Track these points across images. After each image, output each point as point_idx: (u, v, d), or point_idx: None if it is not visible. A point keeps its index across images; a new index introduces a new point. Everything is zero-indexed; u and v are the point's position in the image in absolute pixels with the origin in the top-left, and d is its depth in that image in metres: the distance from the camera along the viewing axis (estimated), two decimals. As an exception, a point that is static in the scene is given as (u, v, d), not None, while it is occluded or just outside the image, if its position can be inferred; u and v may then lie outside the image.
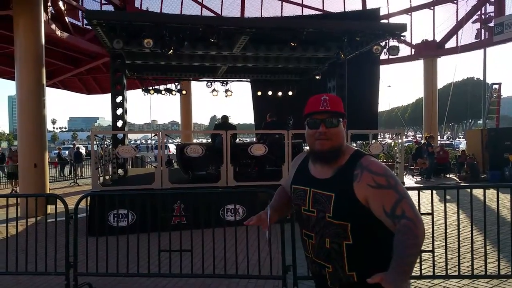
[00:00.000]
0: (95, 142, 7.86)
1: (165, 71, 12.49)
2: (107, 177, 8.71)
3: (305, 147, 10.78)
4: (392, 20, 18.80)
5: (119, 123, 9.76)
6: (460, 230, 4.14)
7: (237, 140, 10.25)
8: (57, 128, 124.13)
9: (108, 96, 10.19)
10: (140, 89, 14.46)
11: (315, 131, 1.64)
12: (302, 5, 19.97)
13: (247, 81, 13.82)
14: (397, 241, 1.46)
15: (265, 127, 9.55)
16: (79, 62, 16.57)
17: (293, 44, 8.05)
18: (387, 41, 8.46)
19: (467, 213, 4.38)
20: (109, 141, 9.25)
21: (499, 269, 3.87)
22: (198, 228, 4.13)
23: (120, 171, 9.96)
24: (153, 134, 9.28)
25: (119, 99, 9.75)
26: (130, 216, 7.40)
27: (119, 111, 9.76)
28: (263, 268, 3.98)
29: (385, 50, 8.30)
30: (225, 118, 9.40)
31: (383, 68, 18.39)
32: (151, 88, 13.63)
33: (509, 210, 3.96)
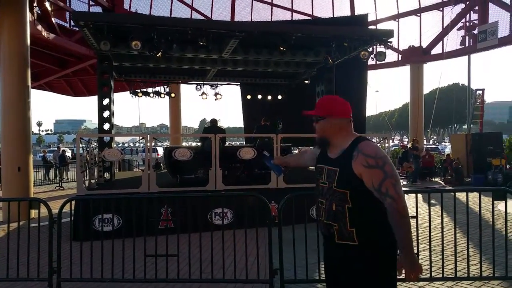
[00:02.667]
0: (80, 145, 7.77)
1: (153, 74, 12.40)
2: (92, 181, 8.61)
3: (294, 151, 10.82)
4: (380, 26, 19.05)
5: (106, 126, 9.65)
6: (444, 233, 4.20)
7: (227, 143, 10.22)
8: (42, 131, 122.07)
9: (95, 99, 10.06)
10: (128, 92, 14.35)
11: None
12: (292, 10, 20.10)
13: (236, 84, 13.81)
14: (391, 223, 1.95)
15: (256, 131, 9.57)
16: (66, 63, 16.34)
17: (282, 48, 8.08)
18: (374, 46, 8.56)
19: (451, 216, 4.45)
20: (95, 144, 9.13)
21: (481, 271, 3.93)
22: (185, 232, 4.11)
23: (106, 174, 9.84)
24: (140, 138, 9.18)
25: (106, 101, 9.64)
26: (116, 220, 7.35)
27: (106, 114, 9.65)
28: (250, 272, 3.98)
29: (372, 55, 8.38)
30: (214, 121, 9.38)
31: (370, 73, 18.66)
32: (139, 90, 13.52)
33: (491, 213, 4.03)
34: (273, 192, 7.63)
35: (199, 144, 9.92)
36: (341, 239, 2.08)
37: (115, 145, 10.49)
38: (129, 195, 6.91)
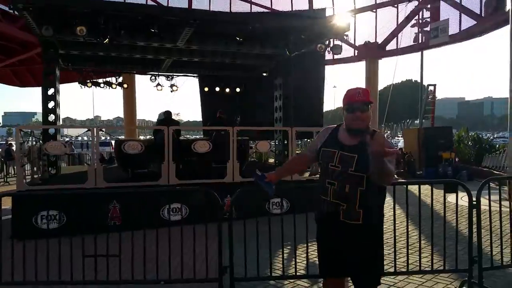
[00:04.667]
0: (23, 139, 7.18)
1: (104, 63, 11.73)
2: (35, 176, 8.03)
3: (252, 144, 10.63)
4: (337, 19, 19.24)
5: (51, 117, 9.03)
6: (396, 225, 4.20)
7: (186, 137, 9.90)
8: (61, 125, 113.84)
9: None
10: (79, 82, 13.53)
11: (353, 115, 2.39)
12: (250, 2, 19.88)
13: (194, 76, 13.43)
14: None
15: (210, 124, 9.32)
16: (11, 52, 15.18)
17: (238, 38, 7.86)
18: (330, 40, 8.53)
19: (403, 209, 4.47)
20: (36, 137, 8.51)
21: (432, 264, 3.95)
22: (137, 229, 3.80)
23: (51, 169, 9.22)
24: (86, 130, 8.64)
25: (51, 91, 9.02)
26: (60, 217, 6.87)
27: (51, 104, 9.03)
28: (200, 270, 3.77)
29: (328, 48, 8.35)
30: (168, 113, 9.02)
31: (328, 69, 18.77)
32: (89, 81, 12.78)
33: (442, 206, 4.06)
34: (229, 186, 7.44)
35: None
36: (346, 218, 2.38)
37: (64, 139, 9.87)
38: (72, 191, 6.46)
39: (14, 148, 19.30)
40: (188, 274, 3.74)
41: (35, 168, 8.02)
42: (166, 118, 8.86)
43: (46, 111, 8.99)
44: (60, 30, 7.54)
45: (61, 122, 9.67)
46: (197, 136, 26.11)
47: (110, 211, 6.91)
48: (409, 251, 3.99)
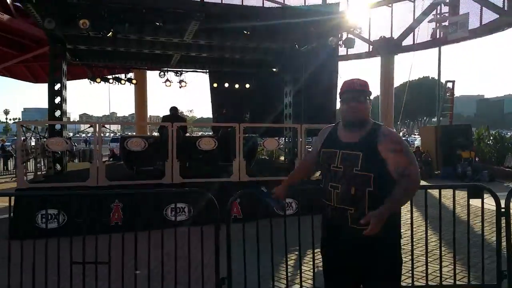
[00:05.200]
0: (27, 134, 7.00)
1: (113, 58, 11.56)
2: (39, 173, 7.86)
3: (261, 141, 10.29)
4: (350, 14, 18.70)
5: (57, 113, 8.89)
6: (414, 230, 3.81)
7: (196, 133, 9.63)
8: (10, 119, 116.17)
9: None
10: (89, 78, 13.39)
11: (348, 105, 2.19)
12: (263, -2, 19.48)
13: (203, 72, 13.14)
14: (399, 186, 2.02)
15: (217, 120, 9.03)
16: (25, 48, 15.19)
17: (246, 32, 7.53)
18: (343, 34, 8.13)
19: (422, 212, 4.08)
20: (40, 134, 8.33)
21: (455, 278, 3.55)
22: (137, 230, 3.50)
23: (58, 166, 9.07)
24: (88, 126, 8.42)
25: (57, 86, 8.88)
26: (60, 217, 6.68)
27: (57, 100, 8.89)
28: (196, 282, 3.46)
29: (340, 42, 7.95)
30: (174, 109, 8.76)
31: (341, 64, 18.34)
32: (98, 76, 12.62)
33: (463, 209, 3.66)
34: (235, 186, 7.14)
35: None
36: (355, 223, 2.08)
37: (68, 135, 9.71)
38: (71, 190, 6.25)
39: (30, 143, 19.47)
40: (183, 284, 3.44)
41: (38, 165, 7.81)
42: (172, 114, 8.60)
43: (52, 107, 8.86)
44: (64, 24, 7.34)
45: (78, 118, 9.55)
46: (207, 133, 25.92)
47: (112, 210, 6.69)
48: (428, 259, 3.60)
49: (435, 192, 4.07)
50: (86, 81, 12.82)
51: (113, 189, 6.56)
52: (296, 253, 4.27)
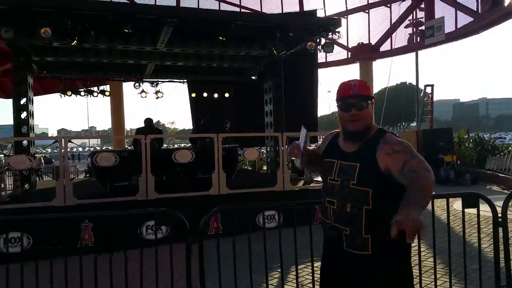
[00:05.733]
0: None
1: (84, 70, 11.07)
2: (3, 193, 7.32)
3: (241, 151, 9.95)
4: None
5: (23, 129, 8.37)
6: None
7: (177, 145, 9.22)
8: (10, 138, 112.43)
9: (41, 101, 8.73)
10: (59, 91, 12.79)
11: (348, 114, 1.86)
12: (239, 6, 19.30)
13: (179, 81, 12.76)
14: (412, 186, 1.63)
15: (195, 131, 8.65)
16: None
17: (221, 38, 7.23)
18: (321, 38, 7.92)
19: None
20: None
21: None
22: (110, 251, 3.11)
23: (26, 185, 8.50)
24: (54, 141, 7.91)
25: (23, 100, 8.38)
26: (25, 240, 6.17)
27: (23, 115, 8.38)
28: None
29: (319, 46, 7.73)
30: (148, 121, 8.35)
31: (321, 72, 18.20)
32: (69, 89, 12.06)
33: (455, 217, 3.39)
34: (214, 199, 6.77)
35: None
36: (351, 247, 1.81)
37: (35, 151, 9.15)
38: (34, 211, 5.78)
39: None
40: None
41: (2, 185, 7.27)
42: (147, 126, 8.19)
43: (18, 122, 8.34)
44: (26, 33, 6.88)
45: (56, 134, 9.04)
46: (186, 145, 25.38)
47: (82, 231, 6.20)
48: (421, 270, 3.30)
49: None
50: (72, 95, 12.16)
51: (81, 209, 6.09)
52: (279, 270, 3.93)
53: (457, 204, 5.45)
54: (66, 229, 5.73)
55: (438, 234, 3.30)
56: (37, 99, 10.04)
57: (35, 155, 9.28)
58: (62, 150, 6.32)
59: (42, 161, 19.53)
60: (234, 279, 3.06)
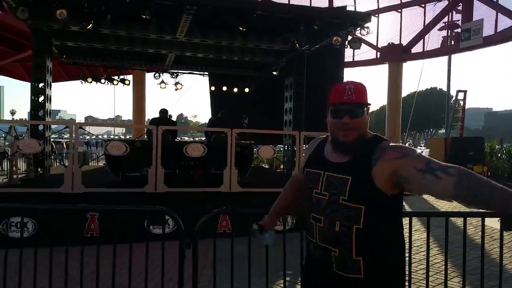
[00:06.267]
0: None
1: (106, 58, 11.00)
2: (15, 176, 7.26)
3: (256, 149, 9.64)
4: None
5: (40, 113, 8.32)
6: (430, 261, 3.11)
7: (195, 138, 9.01)
8: (16, 120, 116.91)
9: (70, 87, 8.72)
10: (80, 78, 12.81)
11: (339, 121, 1.65)
12: (269, 2, 18.95)
13: (200, 74, 12.54)
14: (474, 185, 1.37)
15: (209, 125, 8.38)
16: (20, 46, 14.67)
17: (242, 28, 6.91)
18: (348, 33, 7.48)
19: (440, 243, 3.37)
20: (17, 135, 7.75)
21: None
22: (115, 242, 2.88)
23: (39, 169, 8.45)
24: (65, 127, 7.81)
25: (41, 84, 8.33)
26: (31, 225, 6.05)
27: (41, 99, 8.33)
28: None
29: (346, 42, 7.30)
30: (163, 112, 8.14)
31: (348, 71, 17.69)
32: (90, 76, 12.05)
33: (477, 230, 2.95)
34: (225, 197, 6.48)
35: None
36: (341, 269, 1.63)
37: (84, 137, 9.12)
38: (34, 203, 5.65)
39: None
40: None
41: (14, 168, 7.21)
42: (161, 117, 7.98)
43: (35, 106, 8.30)
44: (42, 14, 6.75)
45: (83, 120, 9.00)
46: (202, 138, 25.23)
47: (88, 220, 6.04)
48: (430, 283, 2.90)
49: (456, 221, 3.35)
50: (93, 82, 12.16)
51: (87, 197, 5.93)
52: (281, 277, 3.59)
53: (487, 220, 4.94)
54: (71, 218, 5.60)
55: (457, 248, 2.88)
56: (66, 85, 10.01)
57: (58, 140, 9.25)
58: (74, 135, 6.16)
59: (65, 146, 19.82)
60: (231, 281, 2.75)
